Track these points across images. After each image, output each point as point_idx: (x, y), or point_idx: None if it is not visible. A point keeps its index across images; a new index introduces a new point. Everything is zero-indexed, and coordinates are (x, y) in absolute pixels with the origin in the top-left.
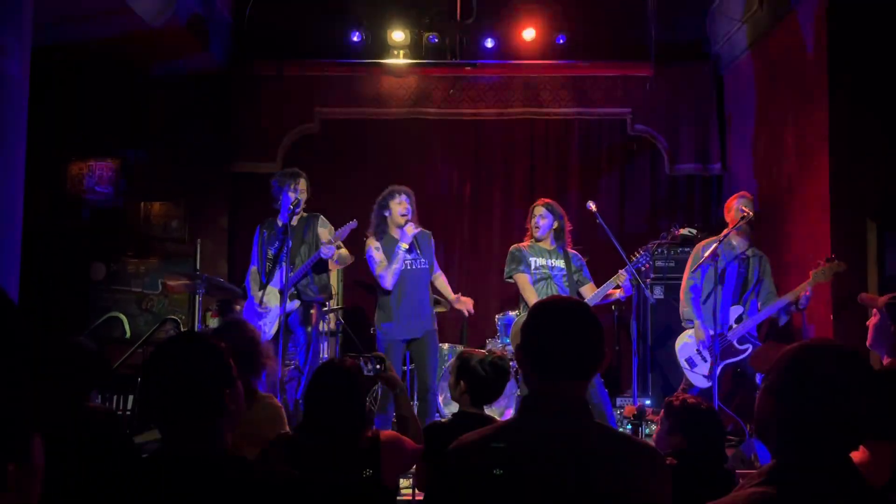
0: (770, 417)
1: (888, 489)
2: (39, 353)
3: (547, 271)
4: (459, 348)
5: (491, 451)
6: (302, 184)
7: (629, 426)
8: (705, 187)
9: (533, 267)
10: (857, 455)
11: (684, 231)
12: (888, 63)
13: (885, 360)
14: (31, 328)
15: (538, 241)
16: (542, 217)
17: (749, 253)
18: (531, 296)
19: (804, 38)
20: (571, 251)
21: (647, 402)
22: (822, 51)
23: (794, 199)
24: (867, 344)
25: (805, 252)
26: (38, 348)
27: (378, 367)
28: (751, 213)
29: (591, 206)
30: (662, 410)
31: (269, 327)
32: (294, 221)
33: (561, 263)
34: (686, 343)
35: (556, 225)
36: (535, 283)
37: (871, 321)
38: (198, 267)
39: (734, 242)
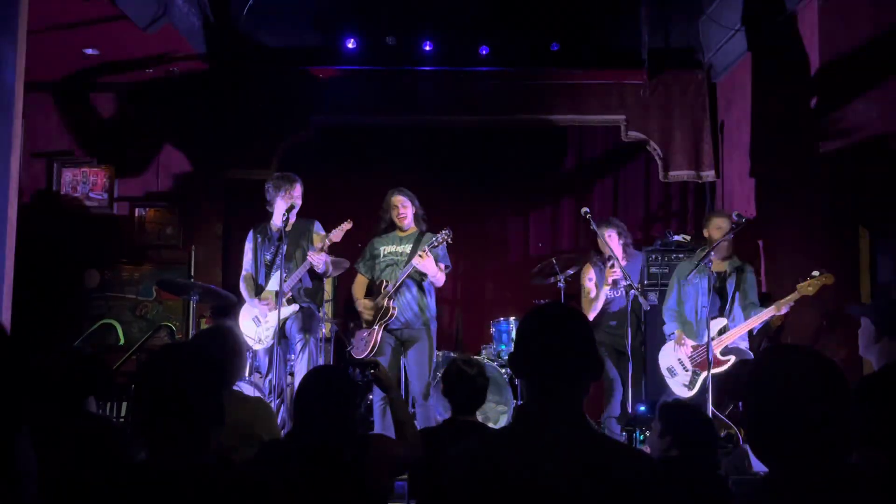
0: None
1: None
2: (36, 361)
3: (395, 257)
4: (453, 355)
5: (483, 461)
6: (297, 189)
7: (622, 433)
8: (699, 194)
9: (381, 256)
10: None
11: (678, 237)
12: (883, 69)
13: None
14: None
15: (402, 230)
16: (403, 206)
17: (726, 267)
18: (356, 292)
19: (798, 45)
20: (430, 234)
21: (642, 408)
22: (816, 58)
23: (788, 206)
24: (860, 352)
25: (798, 259)
26: (35, 356)
27: (372, 371)
28: (727, 229)
29: (586, 212)
30: (656, 414)
31: (269, 333)
32: (288, 227)
33: (408, 248)
34: (667, 352)
35: (415, 211)
36: (383, 269)
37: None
38: (192, 274)
39: (712, 258)
